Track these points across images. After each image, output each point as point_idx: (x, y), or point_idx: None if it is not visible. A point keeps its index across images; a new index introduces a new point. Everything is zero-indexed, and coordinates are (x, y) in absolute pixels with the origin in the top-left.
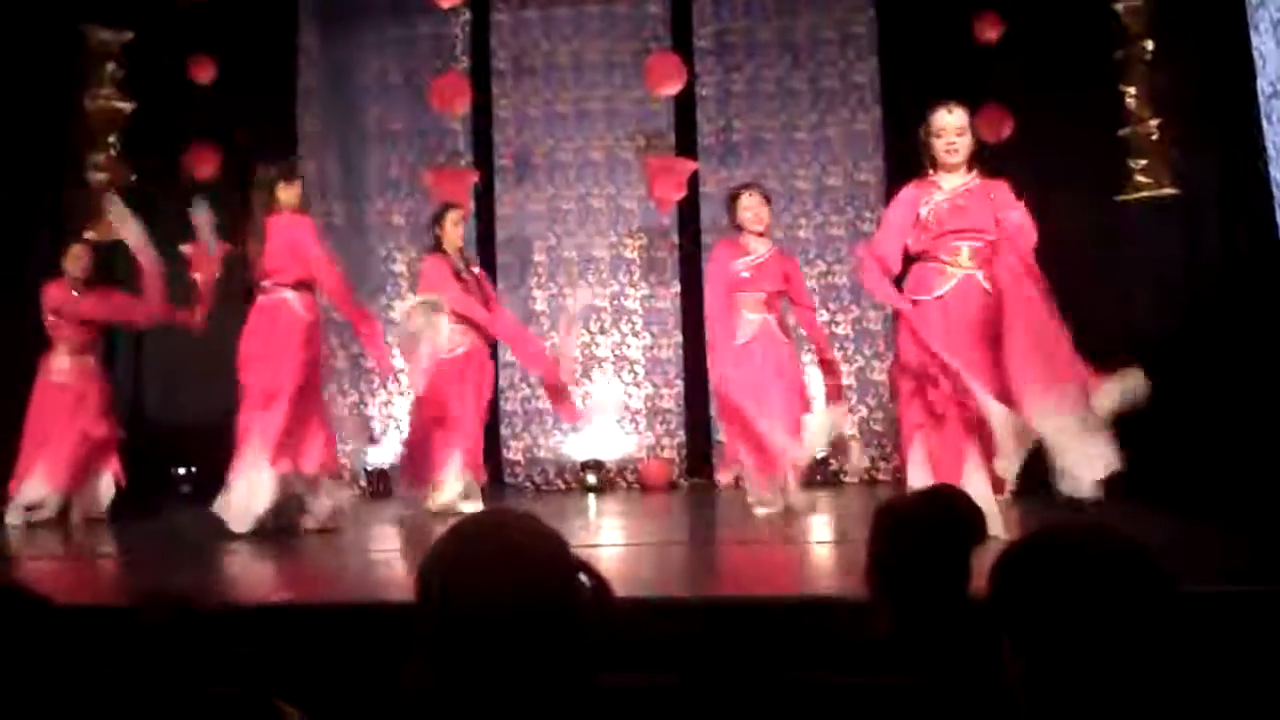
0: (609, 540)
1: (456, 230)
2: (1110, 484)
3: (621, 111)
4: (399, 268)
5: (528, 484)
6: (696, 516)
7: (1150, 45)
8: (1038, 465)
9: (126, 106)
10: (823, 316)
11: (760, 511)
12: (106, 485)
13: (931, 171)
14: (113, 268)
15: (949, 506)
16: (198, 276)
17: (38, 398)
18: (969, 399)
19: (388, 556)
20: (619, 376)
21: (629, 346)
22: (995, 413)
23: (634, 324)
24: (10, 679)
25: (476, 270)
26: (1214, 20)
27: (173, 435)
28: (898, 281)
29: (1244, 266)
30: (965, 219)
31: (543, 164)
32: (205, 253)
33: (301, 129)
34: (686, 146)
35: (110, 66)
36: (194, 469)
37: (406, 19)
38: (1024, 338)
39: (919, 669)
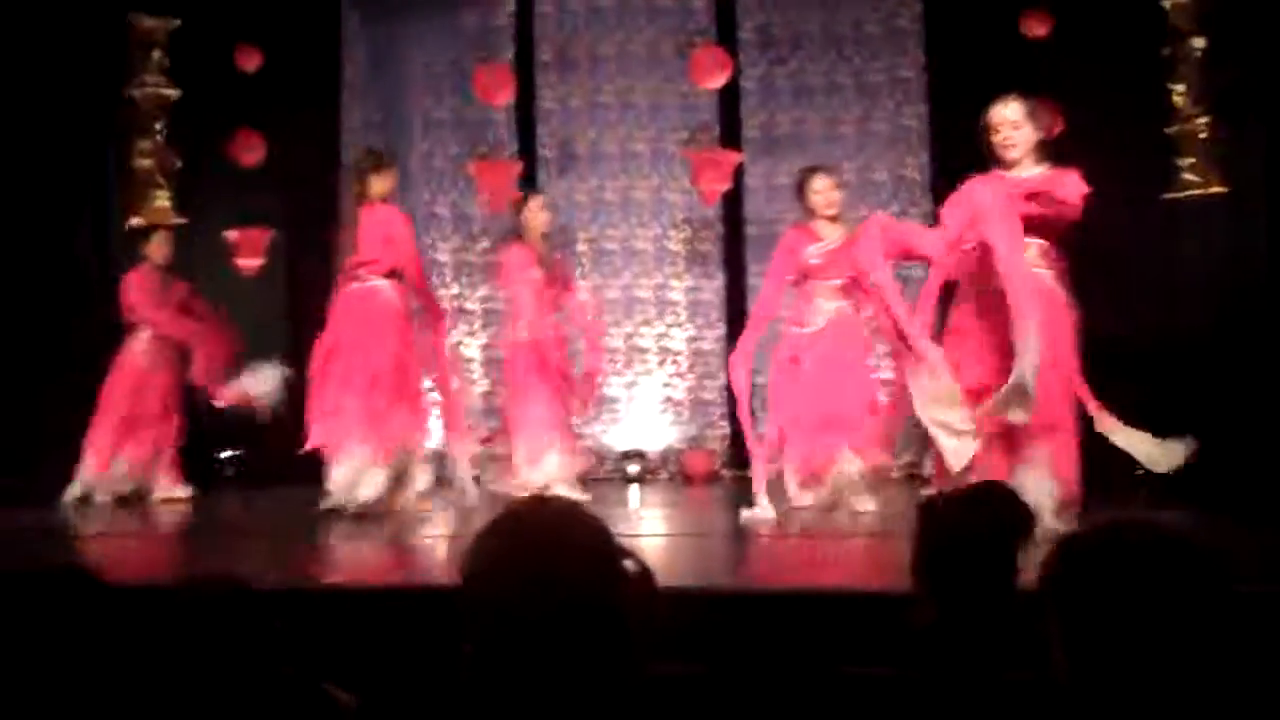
0: (650, 530)
1: (540, 217)
2: (1160, 485)
3: (665, 104)
4: (443, 257)
5: None
6: (738, 508)
7: (1199, 43)
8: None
9: (172, 93)
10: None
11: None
12: (167, 467)
13: (996, 167)
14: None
15: (996, 501)
16: (241, 263)
17: (115, 377)
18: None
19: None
20: (662, 368)
21: (672, 338)
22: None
23: (678, 315)
24: (67, 658)
25: (558, 256)
26: (1263, 17)
27: (218, 418)
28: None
29: None
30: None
31: (586, 155)
32: (251, 239)
33: (345, 117)
34: (730, 139)
35: (157, 54)
36: (239, 452)
37: (451, 9)
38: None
39: (962, 663)
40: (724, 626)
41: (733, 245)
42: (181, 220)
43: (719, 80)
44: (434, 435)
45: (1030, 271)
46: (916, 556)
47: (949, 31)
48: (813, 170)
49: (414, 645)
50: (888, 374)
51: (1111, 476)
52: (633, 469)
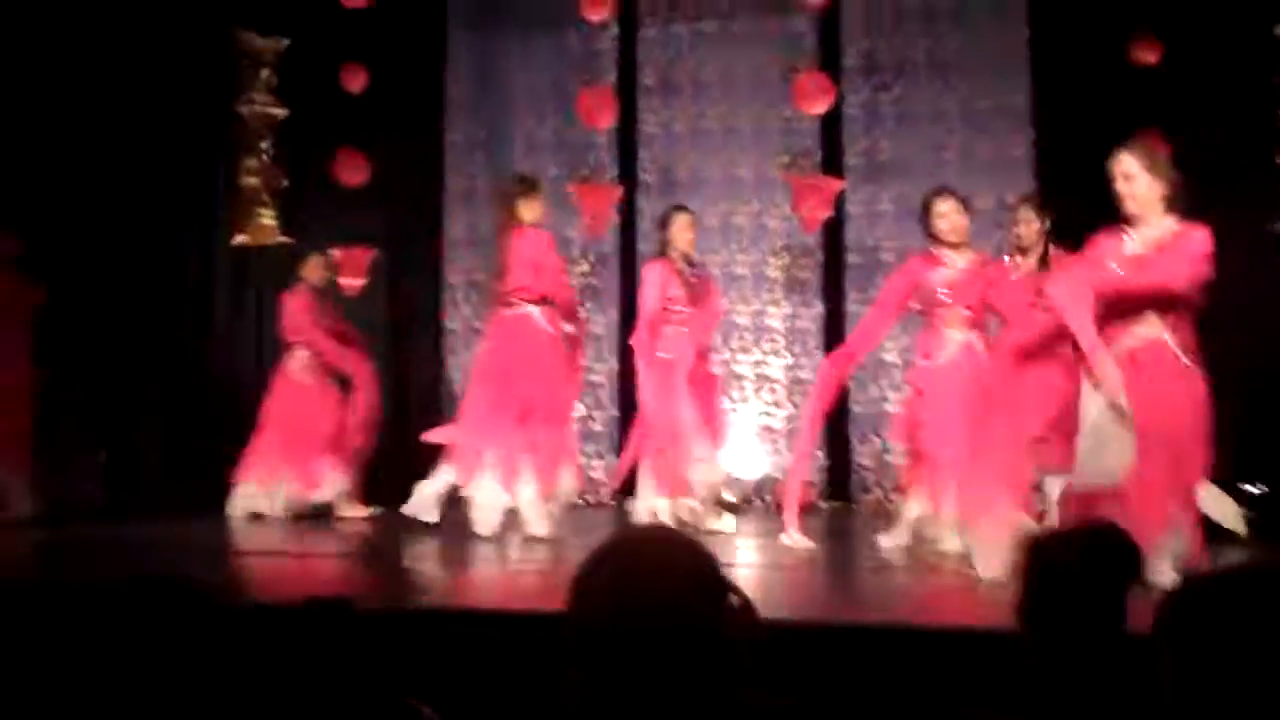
0: (744, 560)
1: (684, 235)
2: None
3: (767, 129)
4: None
5: None
6: (834, 540)
7: None
8: None
9: (280, 113)
10: None
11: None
12: (335, 481)
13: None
14: None
15: (1104, 541)
16: (344, 281)
17: (277, 394)
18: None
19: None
20: (759, 395)
21: (769, 365)
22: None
23: (775, 343)
24: (155, 670)
25: (702, 274)
26: None
27: None
28: None
29: None
30: (1152, 275)
31: (687, 180)
32: (354, 258)
33: (448, 138)
34: (832, 166)
35: (265, 73)
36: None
37: (556, 31)
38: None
39: (1065, 707)
40: (815, 660)
41: (832, 273)
42: (285, 239)
43: (822, 106)
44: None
45: (1103, 358)
46: (1021, 596)
47: (1056, 58)
48: (938, 193)
49: (512, 669)
50: None
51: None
52: (728, 497)
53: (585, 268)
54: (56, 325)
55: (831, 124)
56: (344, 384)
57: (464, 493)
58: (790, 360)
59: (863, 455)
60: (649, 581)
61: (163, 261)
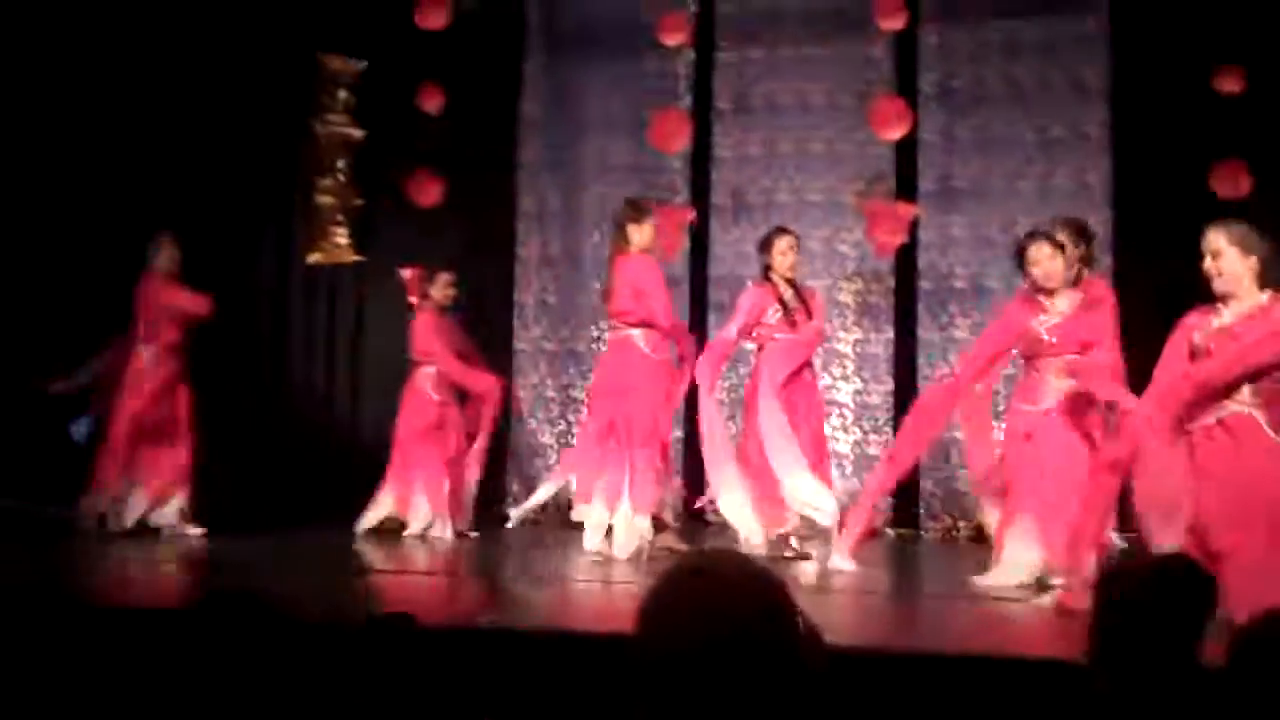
0: (806, 585)
1: (786, 258)
2: None
3: (842, 154)
4: None
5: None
6: (900, 567)
7: None
8: None
9: (357, 133)
10: None
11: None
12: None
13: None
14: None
15: (1180, 574)
16: (414, 300)
17: (406, 411)
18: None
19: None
20: (827, 420)
21: (839, 390)
22: None
23: (845, 368)
24: (227, 681)
25: (807, 297)
26: None
27: (387, 452)
28: None
29: None
30: (1239, 354)
31: (759, 203)
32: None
33: (522, 158)
34: (907, 192)
35: (343, 94)
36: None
37: (632, 54)
38: None
39: None
40: (881, 688)
41: (904, 299)
42: (359, 258)
43: (898, 131)
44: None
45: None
46: (1095, 626)
47: (1137, 87)
48: (1030, 237)
49: (581, 690)
50: None
51: None
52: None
53: None
54: None
55: (907, 149)
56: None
57: (575, 511)
58: (859, 385)
59: (930, 483)
60: (718, 606)
61: (238, 278)
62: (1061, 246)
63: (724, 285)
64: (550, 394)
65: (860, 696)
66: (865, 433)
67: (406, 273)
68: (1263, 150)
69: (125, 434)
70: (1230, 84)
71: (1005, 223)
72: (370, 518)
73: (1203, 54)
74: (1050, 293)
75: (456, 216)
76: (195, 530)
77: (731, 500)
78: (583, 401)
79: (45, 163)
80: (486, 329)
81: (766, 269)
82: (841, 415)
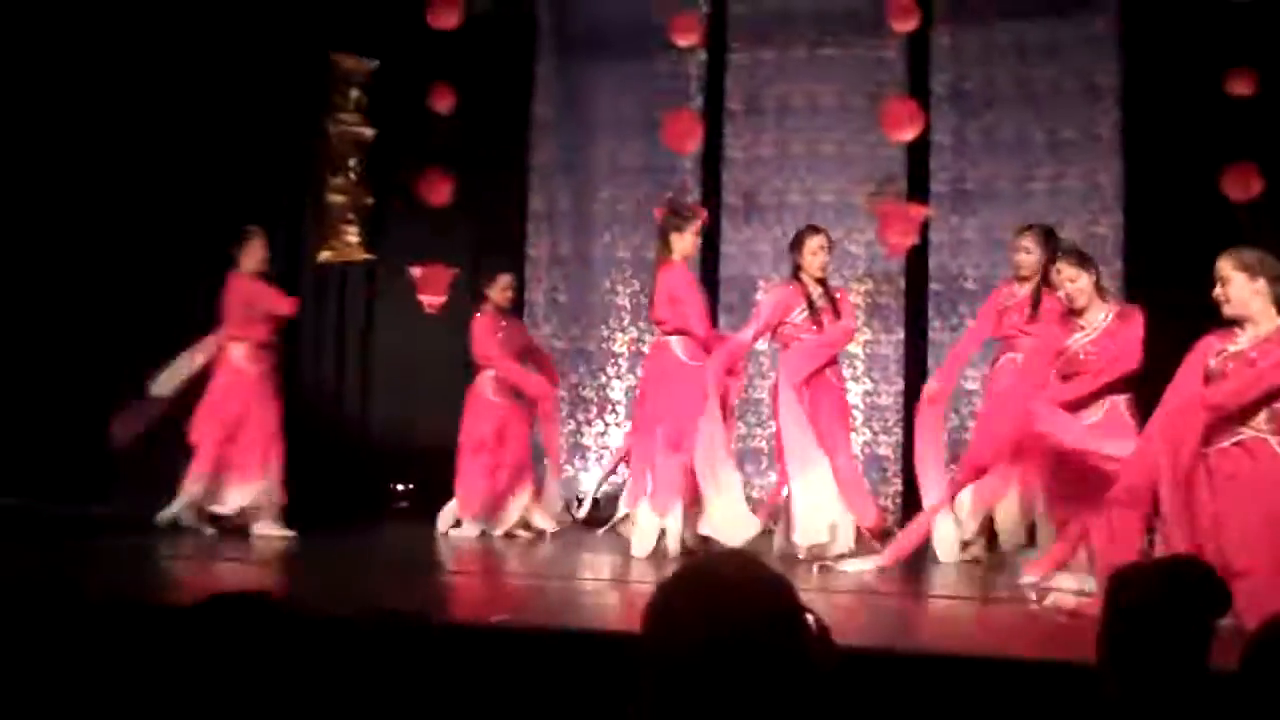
0: (817, 585)
1: (817, 258)
2: None
3: (854, 155)
4: (622, 300)
5: None
6: (910, 568)
7: None
8: None
9: (368, 132)
10: None
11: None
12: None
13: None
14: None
15: (1190, 576)
16: (424, 299)
17: (469, 415)
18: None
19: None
20: None
21: (848, 391)
22: None
23: (854, 369)
24: (245, 682)
25: (836, 297)
26: None
27: (396, 450)
28: None
29: None
30: (1256, 378)
31: (771, 205)
32: (435, 276)
33: (533, 159)
34: (918, 193)
35: (355, 93)
36: (412, 485)
37: (643, 55)
38: None
39: None
40: (890, 688)
41: (914, 300)
42: (370, 256)
43: (910, 133)
44: None
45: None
46: (1104, 628)
47: (1148, 89)
48: (1063, 256)
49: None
50: None
51: None
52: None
53: None
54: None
55: (918, 151)
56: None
57: (630, 513)
58: (869, 386)
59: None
60: (722, 607)
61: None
62: (1085, 263)
63: (735, 286)
64: (560, 393)
65: (870, 697)
66: (875, 433)
67: (416, 271)
68: (1274, 153)
69: (219, 434)
70: (1241, 86)
71: (1016, 224)
72: (449, 518)
73: (1214, 56)
74: (1082, 311)
75: (467, 216)
76: (286, 532)
77: (724, 502)
78: (592, 401)
79: (53, 165)
80: None
81: (796, 268)
82: (852, 416)
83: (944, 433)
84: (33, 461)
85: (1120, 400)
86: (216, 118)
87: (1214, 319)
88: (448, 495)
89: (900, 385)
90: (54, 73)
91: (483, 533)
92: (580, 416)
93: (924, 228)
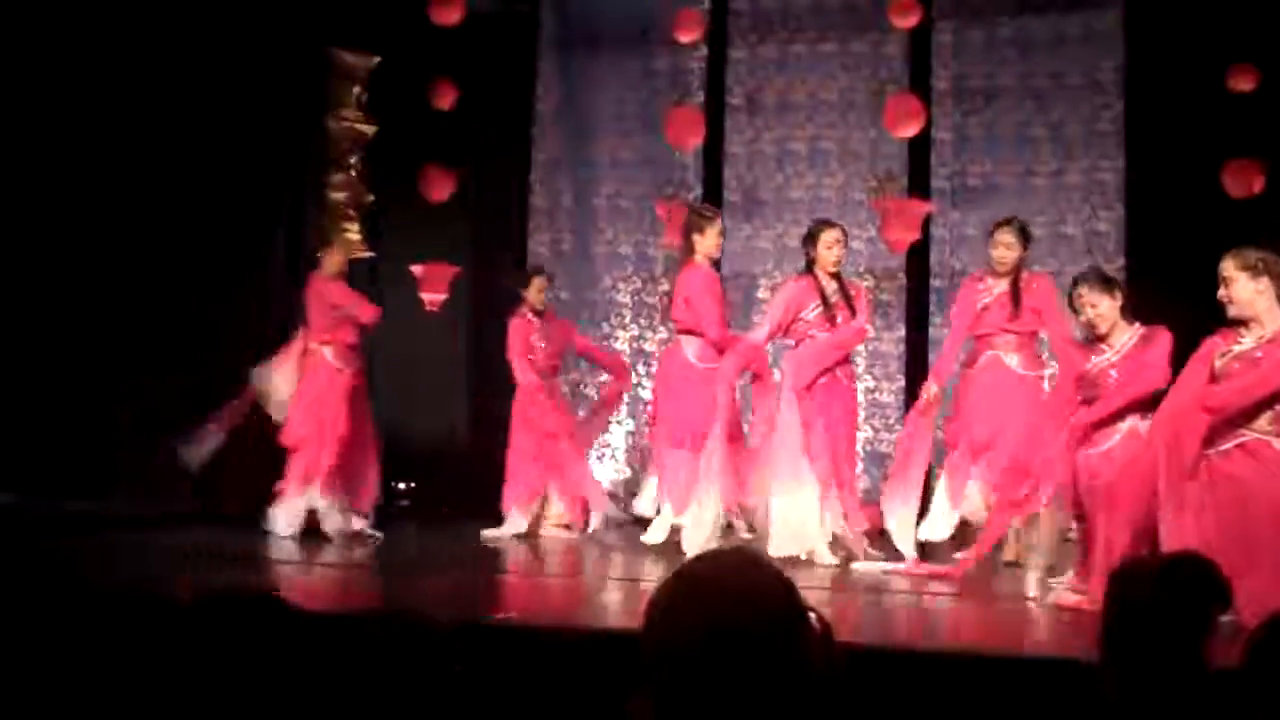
0: (819, 583)
1: (833, 252)
2: None
3: (855, 151)
4: (623, 297)
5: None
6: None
7: None
8: None
9: (369, 129)
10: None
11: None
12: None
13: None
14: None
15: (1190, 572)
16: (426, 297)
17: (519, 416)
18: None
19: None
20: None
21: None
22: None
23: (856, 366)
24: (252, 681)
25: (852, 292)
26: None
27: (399, 449)
28: None
29: None
30: (1259, 378)
31: (771, 200)
32: (436, 274)
33: (535, 155)
34: (920, 189)
35: (356, 90)
36: (414, 484)
37: (645, 51)
38: None
39: None
40: (893, 686)
41: (915, 296)
42: (370, 253)
43: (912, 129)
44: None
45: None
46: (1105, 624)
47: (1150, 85)
48: (1082, 279)
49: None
50: None
51: None
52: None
53: (667, 286)
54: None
55: (920, 147)
56: None
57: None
58: (871, 384)
59: None
60: (727, 605)
61: (248, 273)
62: (1108, 287)
63: (735, 282)
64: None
65: (873, 695)
66: (877, 430)
67: (417, 270)
68: (1276, 149)
69: (316, 438)
70: (1244, 82)
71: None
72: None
73: (1217, 52)
74: (1105, 336)
75: (468, 212)
76: (378, 534)
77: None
78: (594, 398)
79: (53, 163)
80: (498, 324)
81: (810, 262)
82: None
83: (931, 440)
84: (32, 461)
85: (1140, 426)
86: (217, 114)
87: (1216, 313)
88: (447, 495)
89: (902, 382)
90: (55, 70)
91: (524, 534)
92: (581, 413)
93: (925, 224)
